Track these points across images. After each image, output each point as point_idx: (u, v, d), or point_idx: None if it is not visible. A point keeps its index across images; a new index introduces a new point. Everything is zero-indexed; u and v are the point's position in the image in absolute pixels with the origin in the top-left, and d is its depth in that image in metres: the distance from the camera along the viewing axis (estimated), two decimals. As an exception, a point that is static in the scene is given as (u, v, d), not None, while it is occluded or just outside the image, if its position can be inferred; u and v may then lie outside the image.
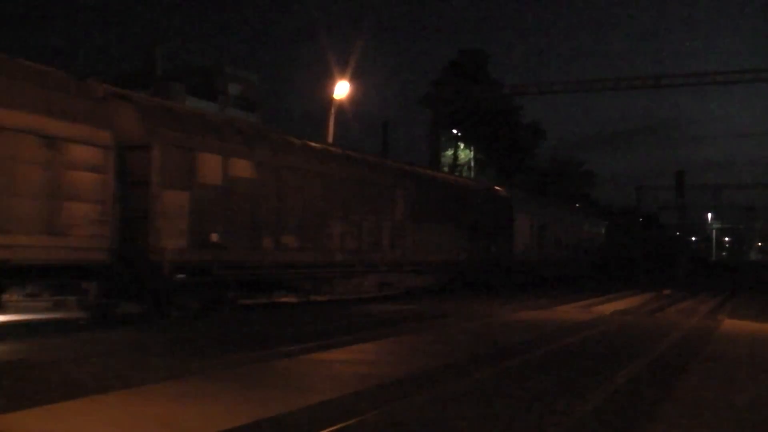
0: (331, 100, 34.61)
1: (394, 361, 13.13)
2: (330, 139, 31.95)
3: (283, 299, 23.42)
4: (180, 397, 9.38)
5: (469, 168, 69.79)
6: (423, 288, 30.10)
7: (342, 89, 34.53)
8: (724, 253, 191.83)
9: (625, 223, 74.13)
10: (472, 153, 70.60)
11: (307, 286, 23.30)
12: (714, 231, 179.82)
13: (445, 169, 62.55)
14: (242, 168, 19.88)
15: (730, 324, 21.47)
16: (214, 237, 18.76)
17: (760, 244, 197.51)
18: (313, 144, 24.46)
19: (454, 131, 67.52)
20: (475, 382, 11.11)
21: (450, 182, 35.70)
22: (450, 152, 68.70)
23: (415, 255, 28.40)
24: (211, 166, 18.91)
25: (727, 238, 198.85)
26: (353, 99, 37.47)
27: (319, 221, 22.87)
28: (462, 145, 70.49)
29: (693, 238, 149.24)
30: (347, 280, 25.02)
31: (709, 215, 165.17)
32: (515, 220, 38.35)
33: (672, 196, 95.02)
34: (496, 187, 41.20)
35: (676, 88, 50.72)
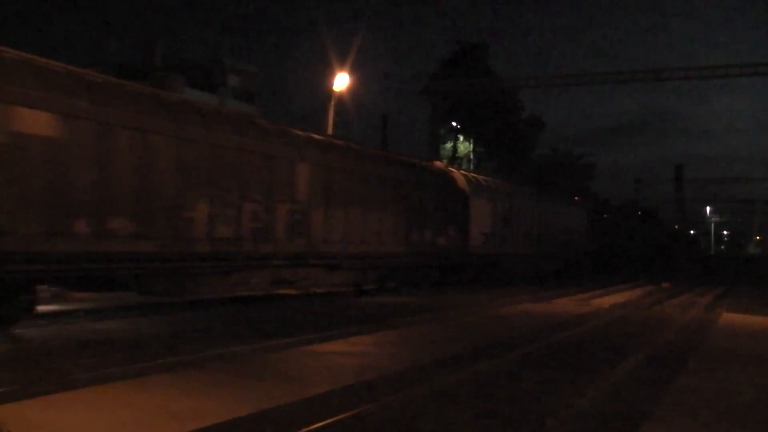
0: (330, 92, 34.55)
1: (393, 353, 13.12)
2: (330, 131, 31.89)
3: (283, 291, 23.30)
4: (174, 389, 9.38)
5: (469, 161, 69.76)
6: (341, 287, 25.31)
7: (341, 81, 34.47)
8: (722, 247, 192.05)
9: (613, 216, 71.95)
10: (471, 146, 70.57)
11: (157, 285, 17.53)
12: (713, 225, 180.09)
13: (444, 161, 62.46)
14: (38, 122, 14.03)
15: (728, 317, 21.49)
16: None
17: (758, 237, 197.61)
18: (167, 95, 18.99)
19: (454, 124, 67.46)
20: (472, 375, 11.13)
21: (380, 158, 27.65)
22: (449, 145, 68.65)
23: (327, 246, 22.42)
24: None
25: (725, 232, 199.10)
26: (353, 91, 37.47)
27: (172, 200, 17.00)
28: (461, 138, 70.44)
29: (692, 232, 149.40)
30: (221, 276, 19.16)
31: (708, 209, 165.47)
32: (471, 208, 32.57)
33: (671, 190, 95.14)
34: (450, 168, 35.86)
35: (676, 81, 50.43)
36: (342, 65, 34.68)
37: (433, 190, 29.72)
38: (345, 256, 23.34)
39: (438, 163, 36.11)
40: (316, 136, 23.43)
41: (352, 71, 35.48)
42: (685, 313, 22.68)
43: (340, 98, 35.72)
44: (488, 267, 34.80)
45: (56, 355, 11.85)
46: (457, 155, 68.92)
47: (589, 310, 22.68)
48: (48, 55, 15.13)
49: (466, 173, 35.39)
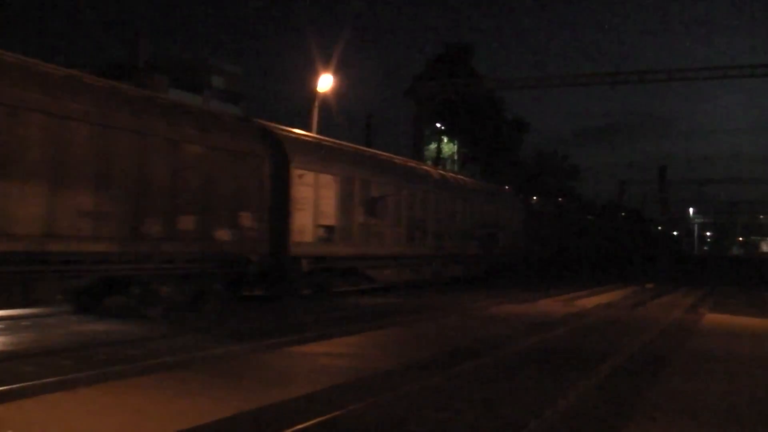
0: (314, 93, 34.48)
1: (376, 355, 13.09)
2: (314, 131, 31.82)
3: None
4: (154, 391, 9.32)
5: (453, 162, 69.81)
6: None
7: (326, 82, 34.40)
8: (706, 248, 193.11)
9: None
10: (455, 147, 70.63)
11: None
12: (696, 225, 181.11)
13: (429, 162, 62.30)
14: None
15: (711, 318, 21.57)
16: None
17: (741, 238, 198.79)
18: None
19: (438, 125, 67.51)
20: (455, 375, 11.10)
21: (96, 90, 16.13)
22: (434, 146, 68.68)
23: None
24: None
25: (708, 233, 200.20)
26: (338, 92, 37.38)
27: None
28: (446, 139, 70.48)
29: (675, 233, 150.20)
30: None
31: (691, 210, 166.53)
32: (296, 186, 21.64)
33: (656, 191, 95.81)
34: (260, 121, 22.81)
35: (660, 83, 50.64)
36: (326, 66, 34.61)
37: (213, 158, 18.75)
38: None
39: (229, 115, 24.80)
40: None
41: (337, 72, 35.41)
42: (668, 313, 22.73)
43: (325, 99, 35.60)
44: (334, 273, 24.35)
45: (37, 355, 11.75)
46: (441, 156, 68.94)
47: (573, 310, 22.69)
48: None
49: (292, 131, 24.02)
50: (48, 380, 9.53)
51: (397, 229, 27.78)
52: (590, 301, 26.14)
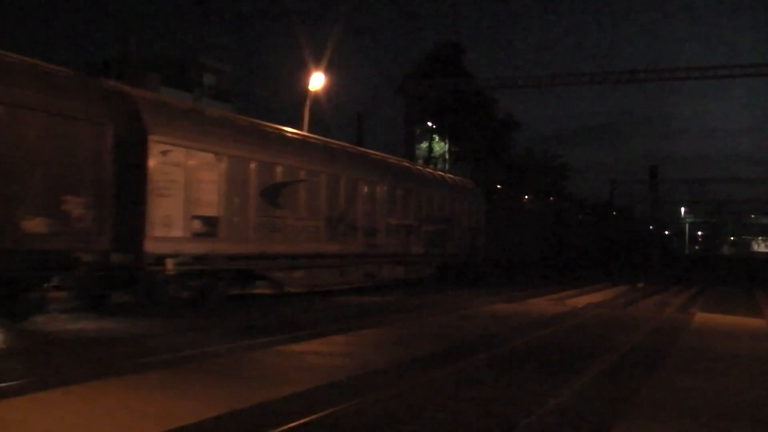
0: (306, 91, 34.45)
1: (369, 353, 13.08)
2: (305, 130, 31.76)
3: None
4: (147, 389, 9.30)
5: (444, 160, 69.79)
6: None
7: (317, 81, 34.38)
8: (697, 247, 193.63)
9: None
10: (446, 146, 70.60)
11: None
12: (687, 225, 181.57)
13: (420, 161, 62.27)
14: None
15: (702, 317, 21.61)
16: None
17: (732, 238, 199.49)
18: None
19: (429, 124, 67.48)
20: (450, 373, 11.09)
21: None
22: (425, 145, 68.65)
23: None
24: None
25: (700, 233, 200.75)
26: (329, 90, 37.33)
27: None
28: (437, 138, 70.46)
29: (666, 232, 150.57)
30: None
31: (683, 209, 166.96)
32: (150, 163, 17.02)
33: (647, 191, 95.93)
34: (110, 82, 18.27)
35: (652, 83, 50.62)
36: (318, 64, 34.57)
37: (17, 112, 13.88)
38: None
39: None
40: None
41: (329, 70, 35.37)
42: (659, 312, 22.77)
43: (316, 97, 35.56)
44: (221, 276, 19.81)
45: (29, 353, 11.71)
46: (432, 155, 68.91)
47: (564, 309, 22.71)
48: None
49: (158, 97, 20.07)
50: (39, 378, 9.49)
51: (312, 222, 23.13)
52: (580, 300, 26.16)
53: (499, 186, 73.69)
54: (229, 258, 19.57)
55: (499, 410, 8.84)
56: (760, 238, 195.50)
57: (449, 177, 37.57)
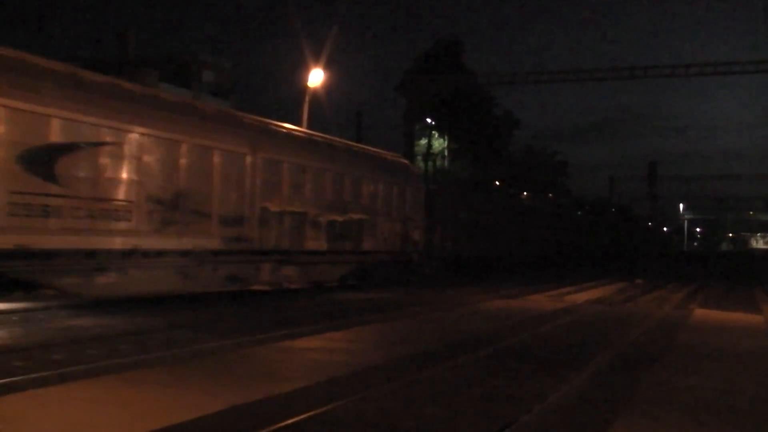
0: (305, 88, 34.44)
1: (367, 349, 13.08)
2: (304, 126, 31.72)
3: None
4: (145, 385, 9.29)
5: (443, 157, 69.82)
6: None
7: (316, 77, 34.37)
8: (695, 244, 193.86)
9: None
10: (446, 142, 70.62)
11: None
12: (686, 222, 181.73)
13: (419, 158, 62.34)
14: None
15: (701, 314, 21.63)
16: None
17: (731, 235, 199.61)
18: None
19: (429, 120, 67.51)
20: (448, 369, 11.09)
21: None
22: (424, 141, 68.67)
23: None
24: None
25: (698, 229, 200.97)
26: (329, 87, 37.30)
27: None
28: (436, 134, 70.48)
29: (665, 229, 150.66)
30: None
31: (681, 206, 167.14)
32: None
33: (646, 187, 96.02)
34: None
35: (652, 79, 50.51)
36: (318, 60, 34.56)
37: None
38: None
39: None
40: None
41: (328, 66, 35.35)
42: (658, 309, 22.79)
43: (315, 93, 35.54)
44: None
45: (26, 350, 11.70)
46: (431, 151, 68.93)
47: (563, 306, 22.72)
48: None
49: None
50: (37, 375, 9.49)
51: (122, 204, 16.77)
52: (579, 297, 26.17)
53: (498, 183, 73.70)
54: None
55: (497, 407, 8.84)
56: (758, 234, 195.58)
57: (372, 151, 29.87)
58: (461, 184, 60.71)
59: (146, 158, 17.35)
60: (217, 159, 19.56)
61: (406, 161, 33.25)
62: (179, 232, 18.25)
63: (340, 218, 24.88)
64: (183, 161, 18.39)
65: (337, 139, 27.58)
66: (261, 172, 21.15)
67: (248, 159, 20.72)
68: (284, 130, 23.96)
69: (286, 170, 22.23)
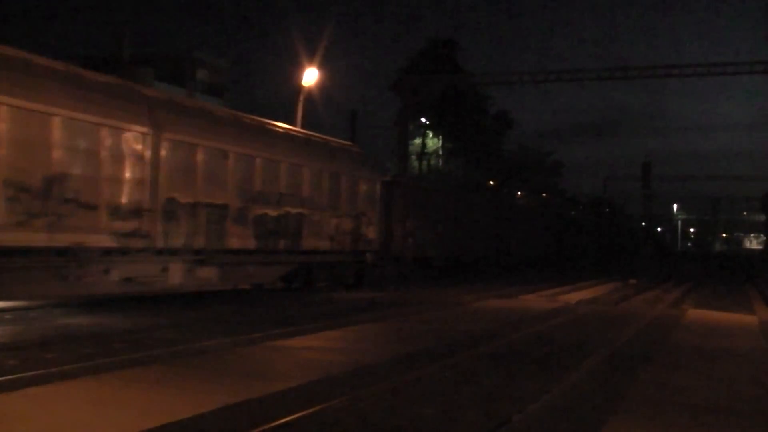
0: (299, 87, 34.42)
1: (362, 348, 13.10)
2: (299, 126, 31.70)
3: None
4: (142, 384, 9.30)
5: (437, 156, 69.83)
6: None
7: (311, 76, 34.35)
8: (689, 244, 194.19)
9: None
10: (440, 141, 70.64)
11: None
12: (679, 222, 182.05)
13: (413, 157, 62.31)
14: None
15: (694, 314, 21.69)
16: None
17: (724, 235, 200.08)
18: None
19: (423, 120, 67.50)
20: (440, 370, 11.12)
21: None
22: (418, 140, 68.67)
23: None
24: None
25: (692, 229, 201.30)
26: (323, 86, 37.25)
27: None
28: (430, 134, 70.49)
29: (659, 229, 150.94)
30: None
31: (675, 206, 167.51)
32: None
33: (640, 187, 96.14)
34: None
35: (645, 79, 50.48)
36: (312, 60, 34.54)
37: None
38: None
39: None
40: None
41: (323, 65, 35.34)
42: (651, 309, 22.84)
43: (310, 92, 35.51)
44: None
45: (21, 348, 11.70)
46: (426, 151, 68.93)
47: (557, 306, 22.76)
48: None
49: None
50: (32, 373, 9.49)
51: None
52: (573, 297, 26.21)
53: (492, 182, 73.71)
54: None
55: (492, 405, 8.87)
56: (752, 234, 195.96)
57: (317, 137, 25.80)
58: (431, 180, 56.71)
59: (2, 133, 13.59)
60: (106, 139, 15.81)
61: (359, 149, 29.05)
62: (51, 226, 14.52)
63: (273, 212, 21.52)
64: (57, 139, 14.67)
65: (272, 121, 23.76)
66: (167, 156, 17.53)
67: (149, 139, 16.99)
68: (199, 108, 20.46)
69: (201, 154, 18.61)
